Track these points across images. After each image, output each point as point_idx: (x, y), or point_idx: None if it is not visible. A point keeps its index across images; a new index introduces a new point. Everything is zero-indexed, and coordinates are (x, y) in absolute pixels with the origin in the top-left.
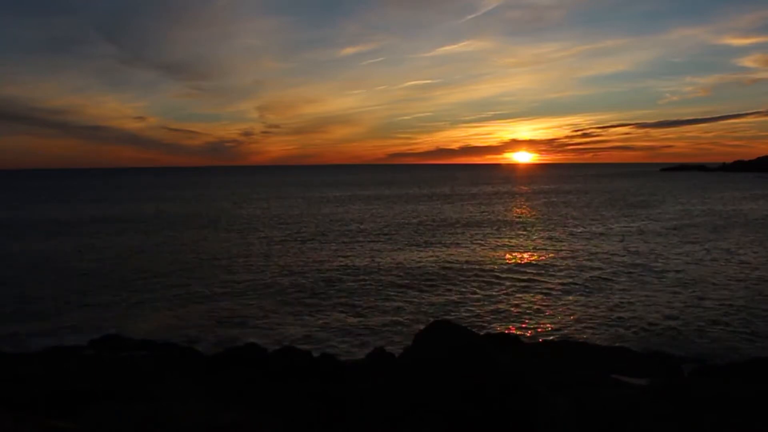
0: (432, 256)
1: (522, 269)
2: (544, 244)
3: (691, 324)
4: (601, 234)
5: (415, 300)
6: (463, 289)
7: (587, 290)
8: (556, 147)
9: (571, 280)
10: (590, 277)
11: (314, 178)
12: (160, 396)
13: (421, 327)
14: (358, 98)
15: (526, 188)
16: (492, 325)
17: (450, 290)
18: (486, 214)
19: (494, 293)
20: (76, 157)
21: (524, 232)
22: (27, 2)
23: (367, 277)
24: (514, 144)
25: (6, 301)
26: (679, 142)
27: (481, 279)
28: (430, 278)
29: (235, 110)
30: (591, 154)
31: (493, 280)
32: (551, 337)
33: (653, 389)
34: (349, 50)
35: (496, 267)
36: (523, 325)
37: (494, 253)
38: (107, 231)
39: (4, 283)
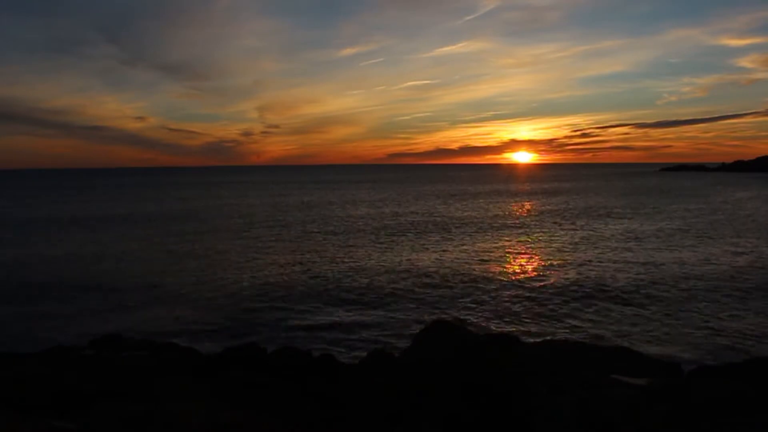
0: (432, 256)
1: (522, 269)
2: (545, 244)
3: (691, 323)
4: (603, 234)
5: (415, 300)
6: (463, 289)
7: (588, 290)
8: (555, 147)
9: (571, 279)
10: (591, 276)
11: (315, 178)
12: (160, 396)
13: (421, 327)
14: (357, 98)
15: (527, 188)
16: (492, 325)
17: (450, 290)
18: (487, 214)
19: (494, 293)
20: (76, 157)
21: (526, 233)
22: (28, 3)
23: (366, 278)
24: (514, 144)
25: (6, 301)
26: (678, 142)
27: (481, 279)
28: (430, 278)
29: (235, 110)
30: (590, 154)
31: (494, 280)
32: (551, 337)
33: (653, 389)
34: (348, 51)
35: (496, 267)
36: (523, 325)
37: (495, 253)
38: (107, 231)
39: (4, 283)
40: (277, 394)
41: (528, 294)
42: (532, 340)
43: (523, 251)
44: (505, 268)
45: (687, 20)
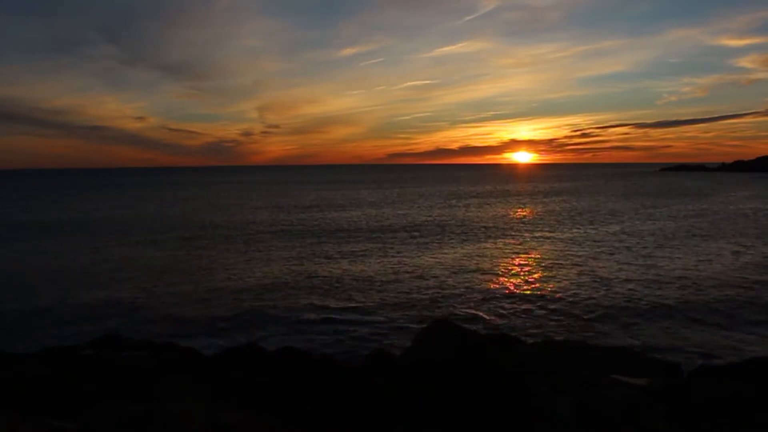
0: (433, 257)
1: (523, 269)
2: (545, 244)
3: (692, 324)
4: (604, 234)
5: (415, 300)
6: (464, 290)
7: (588, 290)
8: (555, 147)
9: (572, 279)
10: (591, 276)
11: (315, 178)
12: (160, 396)
13: (421, 327)
14: (357, 98)
15: (528, 188)
16: (492, 325)
17: (450, 290)
18: (488, 214)
19: (495, 294)
20: (76, 157)
21: (526, 233)
22: (28, 3)
23: (367, 278)
24: (514, 144)
25: (6, 301)
26: (678, 143)
27: (481, 279)
28: (431, 278)
29: (235, 110)
30: (590, 154)
31: (494, 280)
32: (551, 337)
33: (653, 389)
34: (348, 51)
35: (497, 267)
36: (523, 325)
37: (495, 253)
38: (107, 231)
39: (4, 283)
40: (277, 394)
41: (528, 294)
42: (532, 340)
43: (523, 251)
44: (505, 268)
45: (687, 20)
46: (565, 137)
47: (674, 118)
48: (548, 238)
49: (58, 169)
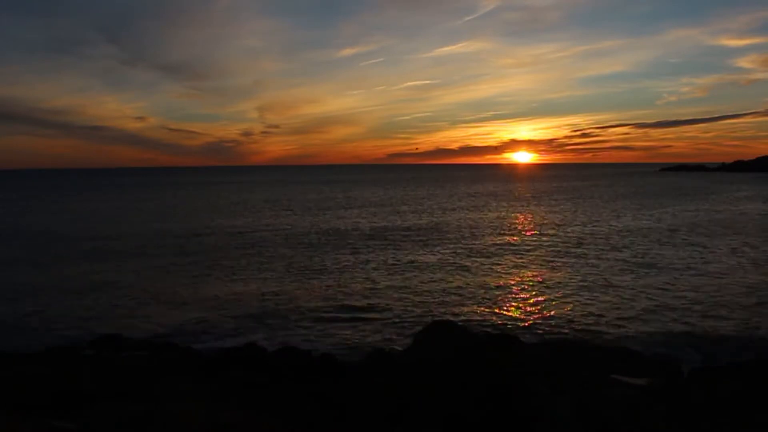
0: (433, 257)
1: (523, 270)
2: (545, 245)
3: (692, 324)
4: (603, 234)
5: (415, 300)
6: (464, 290)
7: (588, 290)
8: (555, 147)
9: (572, 280)
10: (591, 276)
11: (315, 178)
12: (160, 396)
13: (421, 327)
14: (357, 98)
15: (529, 188)
16: (492, 325)
17: (450, 291)
18: (488, 215)
19: (494, 293)
20: (76, 157)
21: (526, 233)
22: (28, 3)
23: (366, 278)
24: (514, 144)
25: (6, 301)
26: (677, 143)
27: (482, 279)
28: (431, 279)
29: (235, 110)
30: (590, 154)
31: (495, 280)
32: (551, 337)
33: (653, 389)
34: (348, 51)
35: (497, 267)
36: (523, 325)
37: (495, 254)
38: (107, 231)
39: (4, 283)
40: (277, 394)
41: (528, 294)
42: (532, 340)
43: (524, 252)
44: (505, 268)
45: (687, 20)
46: (565, 137)
47: (674, 118)
48: (548, 238)
49: (58, 169)
